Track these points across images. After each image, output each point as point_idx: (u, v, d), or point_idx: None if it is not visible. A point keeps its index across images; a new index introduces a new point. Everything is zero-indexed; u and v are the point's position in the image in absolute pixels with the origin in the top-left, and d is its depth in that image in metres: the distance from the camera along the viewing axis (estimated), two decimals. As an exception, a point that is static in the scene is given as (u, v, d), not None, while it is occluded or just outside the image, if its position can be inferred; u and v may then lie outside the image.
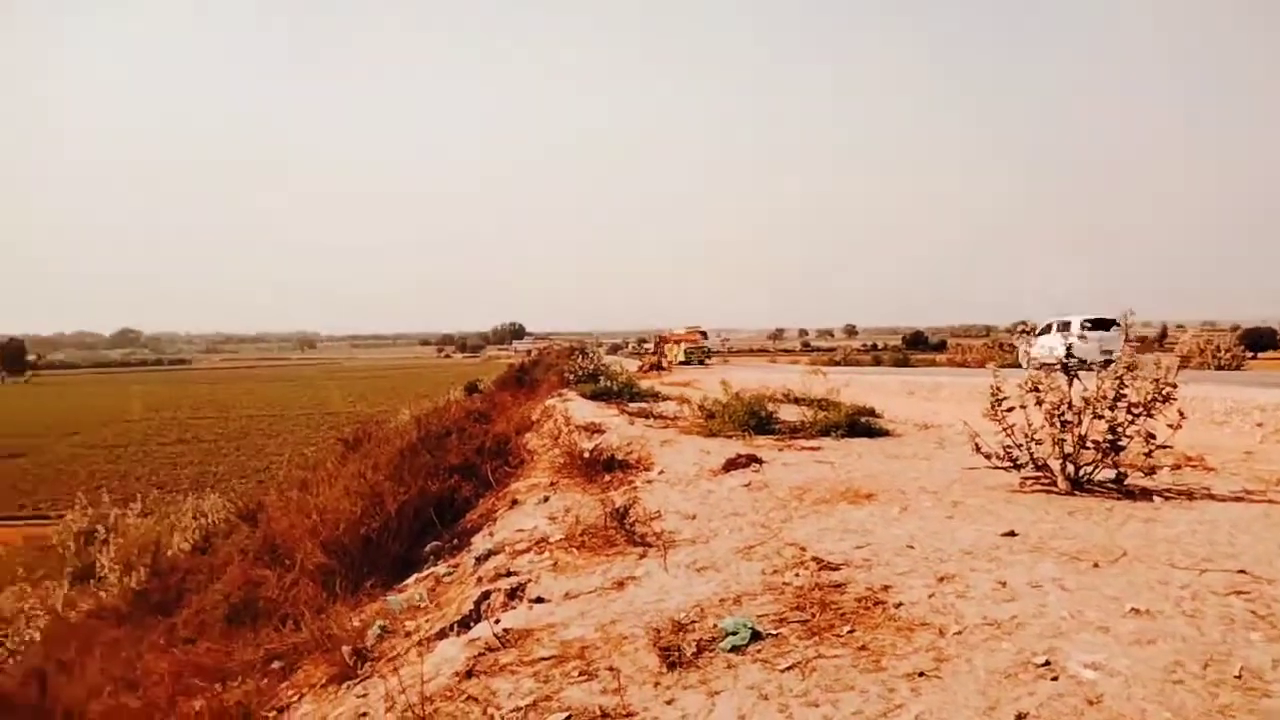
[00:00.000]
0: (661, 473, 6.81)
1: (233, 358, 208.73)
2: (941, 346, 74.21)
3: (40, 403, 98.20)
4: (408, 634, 3.92)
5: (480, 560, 4.85)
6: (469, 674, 2.99)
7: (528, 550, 4.78)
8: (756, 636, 2.96)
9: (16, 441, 65.75)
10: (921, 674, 2.57)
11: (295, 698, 3.81)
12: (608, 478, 6.77)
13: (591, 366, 18.81)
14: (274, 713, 3.75)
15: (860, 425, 8.77)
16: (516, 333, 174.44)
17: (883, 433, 8.79)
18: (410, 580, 5.13)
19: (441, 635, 3.67)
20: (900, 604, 3.17)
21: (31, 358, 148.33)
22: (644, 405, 12.26)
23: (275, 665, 4.26)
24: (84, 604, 8.14)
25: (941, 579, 3.43)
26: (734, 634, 2.97)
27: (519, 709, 2.65)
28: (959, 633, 2.85)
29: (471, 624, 3.70)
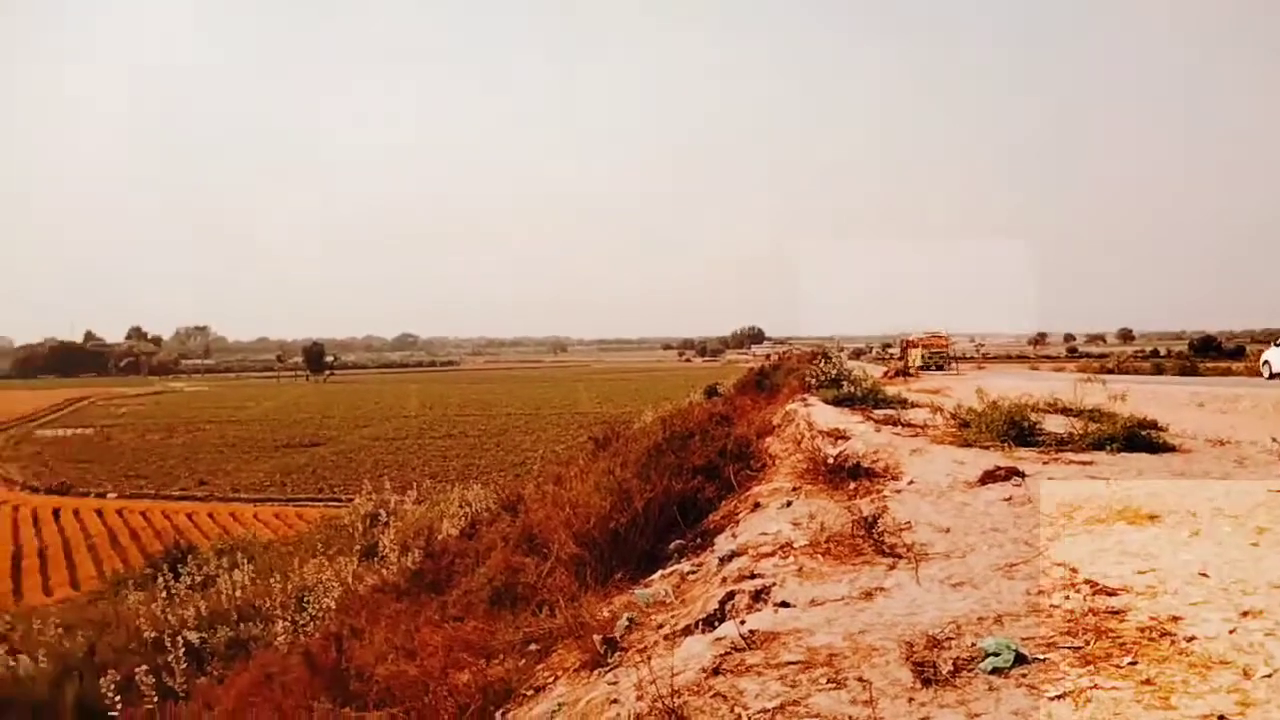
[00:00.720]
0: (911, 483, 6.53)
1: (494, 360, 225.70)
2: (1239, 353, 65.30)
3: (336, 399, 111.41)
4: (655, 627, 4.03)
5: (724, 561, 4.89)
6: (716, 671, 3.02)
7: (772, 554, 4.76)
8: (1021, 660, 2.75)
9: (317, 432, 75.13)
10: (1221, 718, 2.27)
11: (551, 679, 4.04)
12: (853, 485, 6.60)
13: (834, 371, 18.40)
14: (531, 691, 4.00)
15: (1140, 439, 7.89)
16: (755, 337, 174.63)
17: (1167, 448, 7.86)
18: (656, 576, 5.28)
19: (687, 631, 3.74)
20: (1193, 638, 2.83)
21: (329, 359, 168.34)
22: (890, 412, 11.80)
23: (532, 647, 4.54)
24: (369, 578, 9.09)
25: (1245, 614, 3.01)
26: (995, 655, 2.78)
27: (766, 710, 2.64)
28: (1268, 675, 2.49)
29: (716, 623, 3.74)
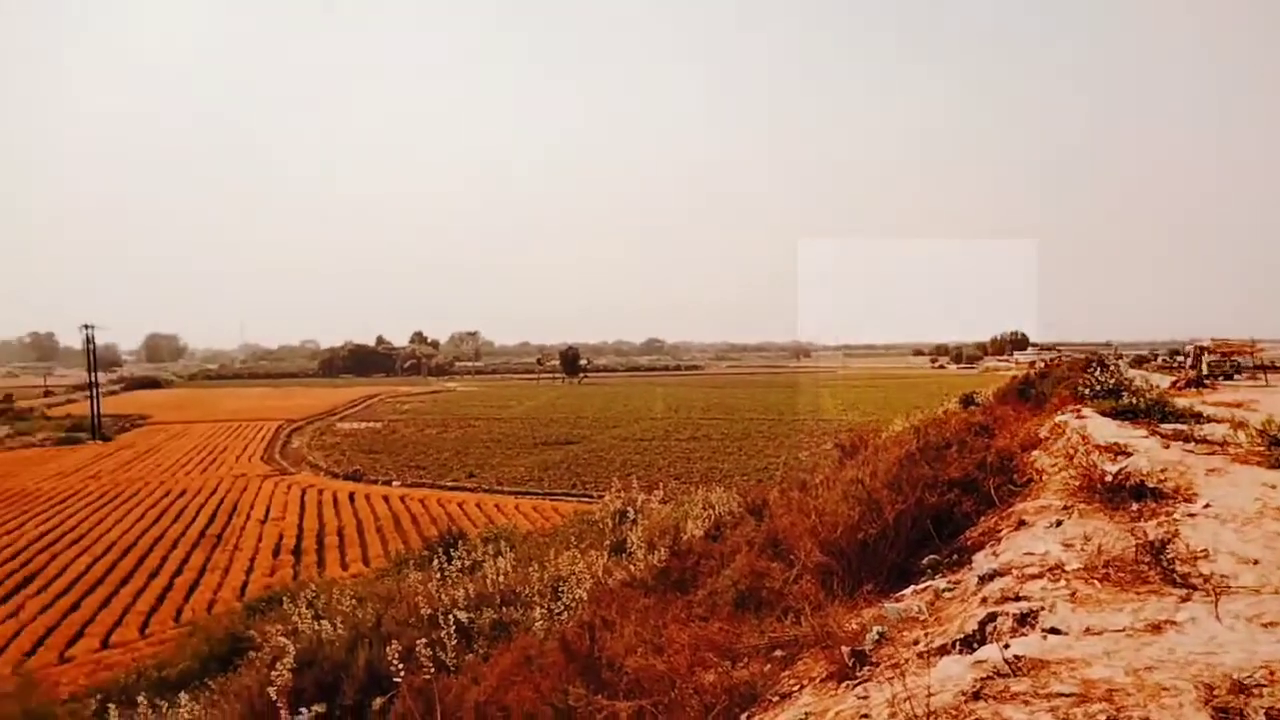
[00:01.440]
0: (1208, 506, 5.77)
1: (737, 365, 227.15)
2: None
3: (588, 400, 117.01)
4: (907, 644, 3.85)
5: (984, 580, 4.58)
6: (976, 696, 2.82)
7: (1039, 576, 4.39)
8: (1359, 720, 2.34)
9: (571, 431, 79.33)
10: None
11: (796, 687, 3.97)
12: (1135, 506, 5.93)
13: (1111, 380, 16.66)
14: (776, 697, 3.95)
15: None
16: (1018, 343, 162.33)
17: None
18: (908, 591, 5.04)
19: (943, 651, 3.54)
20: None
21: (583, 362, 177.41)
22: (1180, 426, 10.51)
23: (777, 653, 4.49)
24: (618, 573, 9.40)
25: None
26: (1324, 711, 2.38)
27: (1035, 744, 2.43)
28: None
29: (976, 645, 3.50)
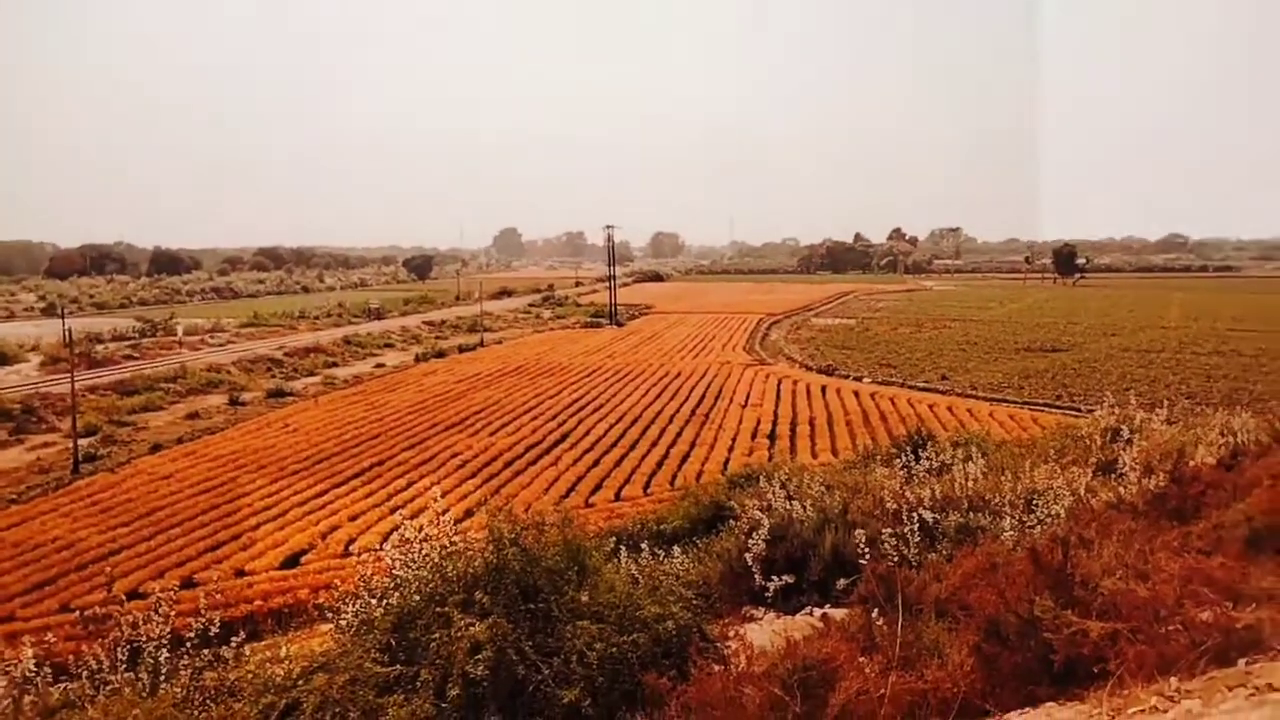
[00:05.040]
0: None
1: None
2: None
3: (1084, 304, 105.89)
4: None
5: None
6: None
7: None
8: None
9: (1059, 338, 72.83)
10: None
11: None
12: None
13: None
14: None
15: None
16: None
17: None
18: None
19: None
20: None
21: (1081, 261, 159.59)
22: None
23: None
24: (1103, 494, 8.68)
25: None
26: None
27: None
28: None
29: None
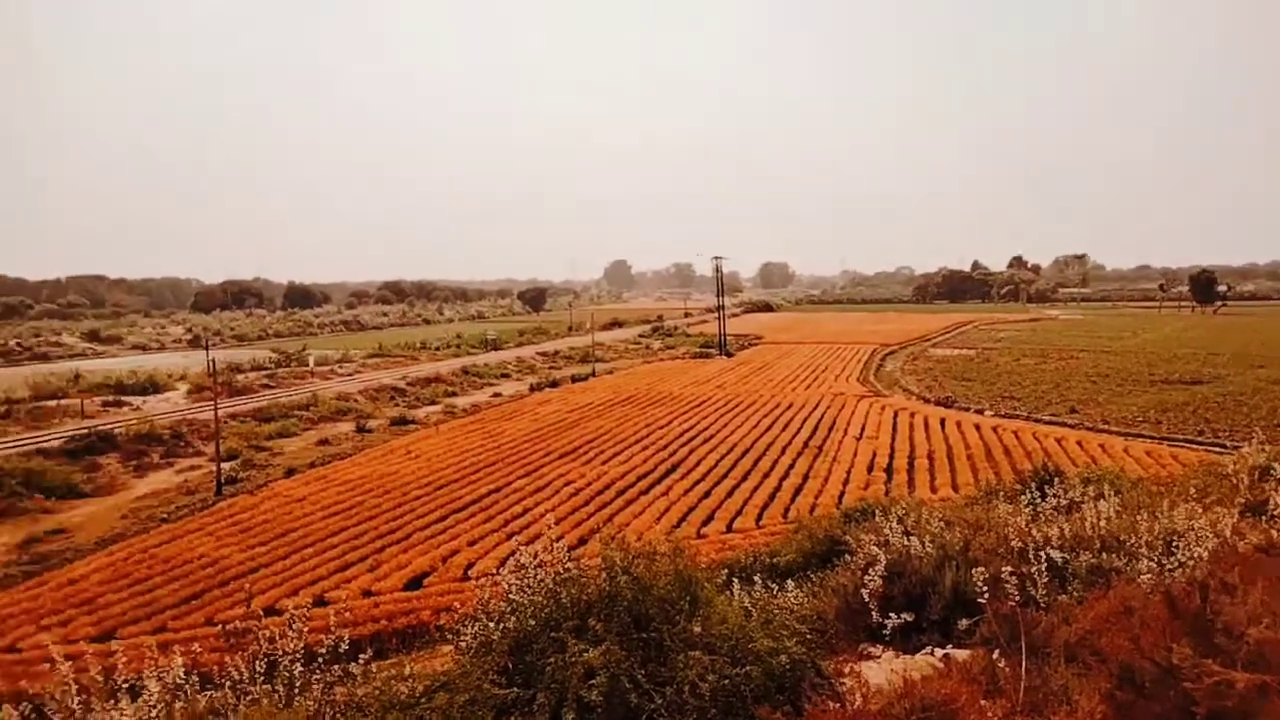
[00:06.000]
0: None
1: None
2: None
3: (1227, 333, 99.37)
4: None
5: None
6: None
7: None
8: None
9: (1200, 369, 68.44)
10: None
11: None
12: None
13: None
14: None
15: None
16: None
17: None
18: None
19: None
20: None
21: (1221, 288, 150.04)
22: None
23: None
24: (1252, 536, 8.14)
25: None
26: None
27: None
28: None
29: None
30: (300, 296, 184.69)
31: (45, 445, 46.60)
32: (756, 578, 8.27)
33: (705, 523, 31.61)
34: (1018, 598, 6.47)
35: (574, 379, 75.10)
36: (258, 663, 5.89)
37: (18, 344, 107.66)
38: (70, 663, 5.66)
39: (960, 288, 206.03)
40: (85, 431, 48.87)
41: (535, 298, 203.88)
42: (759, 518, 31.84)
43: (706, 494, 35.33)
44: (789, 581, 9.48)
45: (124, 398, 63.70)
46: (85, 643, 19.90)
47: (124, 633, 22.79)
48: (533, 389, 70.59)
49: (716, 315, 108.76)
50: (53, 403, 59.92)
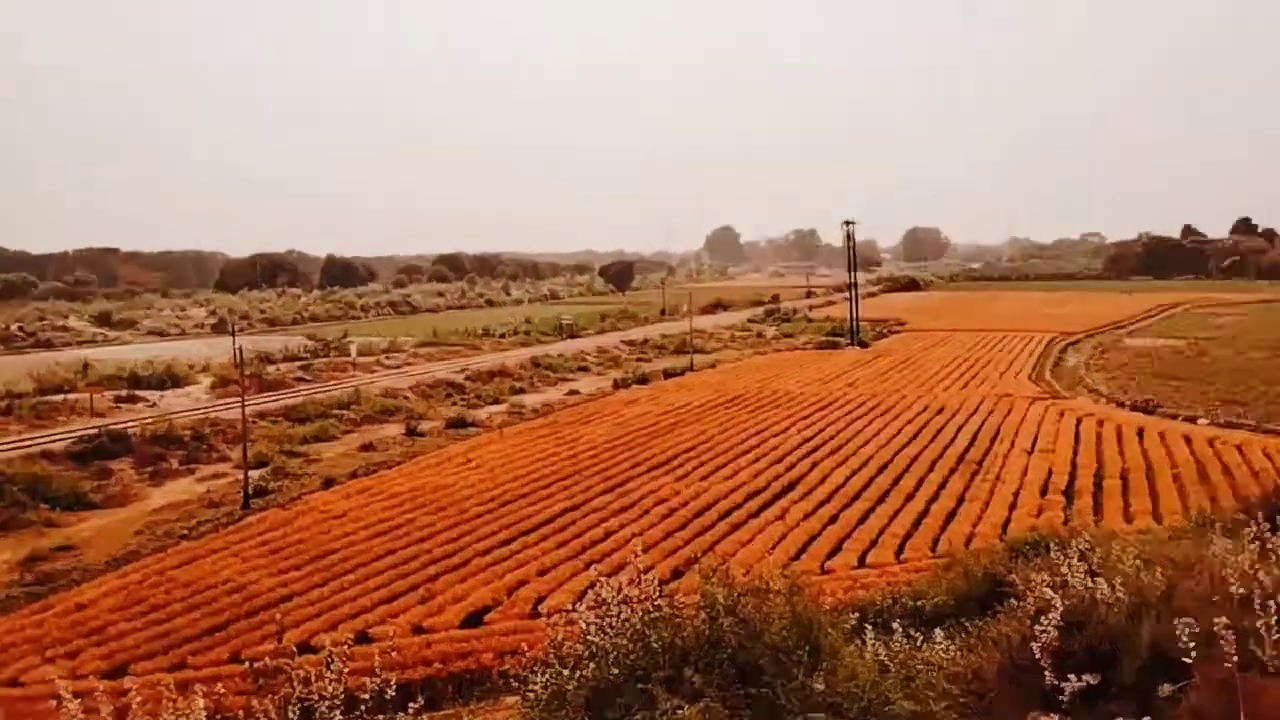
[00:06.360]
0: None
1: None
2: None
3: None
4: None
5: None
6: None
7: None
8: None
9: None
10: None
11: None
12: None
13: None
14: None
15: None
16: None
17: None
18: None
19: None
20: None
21: None
22: None
23: None
24: None
25: None
26: None
27: None
28: None
29: None
30: (341, 273, 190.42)
31: (50, 447, 49.42)
32: (895, 624, 8.16)
33: (831, 555, 31.32)
34: (1236, 659, 6.22)
35: (667, 374, 75.45)
36: (290, 708, 6.08)
37: (20, 329, 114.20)
38: (79, 700, 5.98)
39: (1167, 259, 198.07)
40: (95, 431, 51.57)
41: (620, 274, 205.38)
42: (899, 550, 31.39)
43: (833, 519, 35.00)
44: (937, 630, 9.32)
45: (138, 392, 67.14)
46: (95, 678, 21.07)
47: (138, 668, 23.91)
48: (616, 386, 71.26)
49: (847, 295, 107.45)
50: (58, 397, 63.44)
